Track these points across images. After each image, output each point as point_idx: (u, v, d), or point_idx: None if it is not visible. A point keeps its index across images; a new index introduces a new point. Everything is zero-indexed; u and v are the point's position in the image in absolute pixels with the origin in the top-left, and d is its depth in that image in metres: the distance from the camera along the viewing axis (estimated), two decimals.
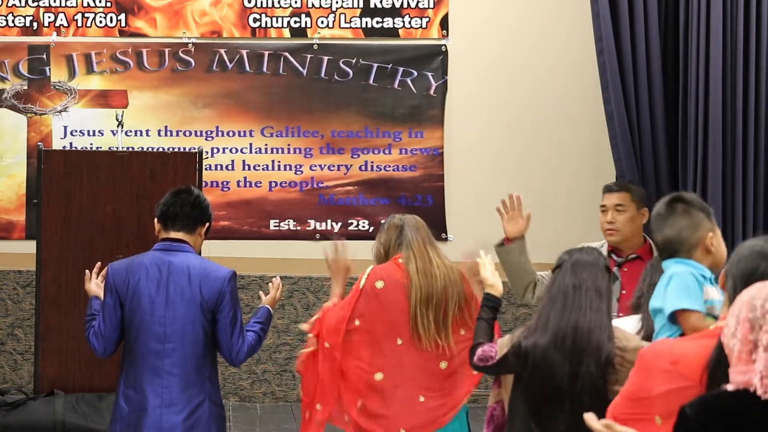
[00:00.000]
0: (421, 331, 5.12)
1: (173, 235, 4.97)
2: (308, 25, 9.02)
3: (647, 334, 4.41)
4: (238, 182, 9.01)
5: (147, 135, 8.95)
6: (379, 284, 5.19)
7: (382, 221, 5.52)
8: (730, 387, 2.89)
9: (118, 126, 7.85)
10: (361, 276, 5.26)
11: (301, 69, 9.01)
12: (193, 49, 8.99)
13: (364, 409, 5.14)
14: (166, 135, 8.97)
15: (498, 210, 5.83)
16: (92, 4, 8.96)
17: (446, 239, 8.88)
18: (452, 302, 5.16)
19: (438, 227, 8.67)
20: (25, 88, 8.95)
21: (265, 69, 9.01)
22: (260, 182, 9.02)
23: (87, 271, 5.23)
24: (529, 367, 4.28)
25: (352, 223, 8.99)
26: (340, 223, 8.99)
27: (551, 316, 4.30)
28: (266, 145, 9.02)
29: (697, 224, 4.15)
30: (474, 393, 5.27)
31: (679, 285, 4.05)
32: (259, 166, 9.02)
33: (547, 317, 4.31)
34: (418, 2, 9.04)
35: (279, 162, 9.02)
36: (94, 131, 8.95)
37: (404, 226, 5.34)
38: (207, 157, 8.67)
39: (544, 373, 4.25)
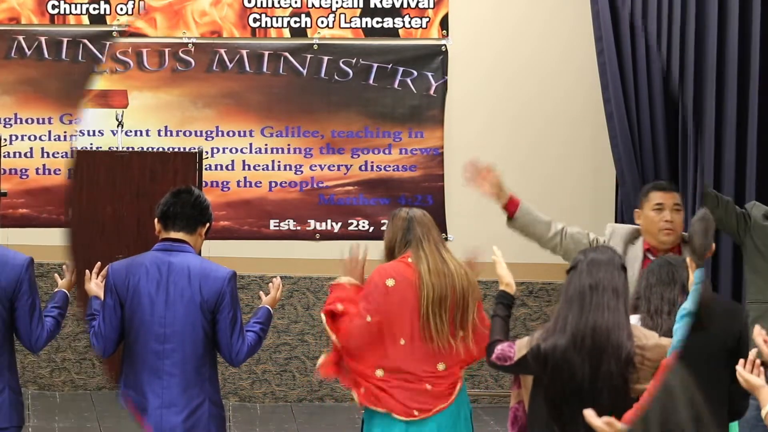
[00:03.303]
0: (433, 331, 5.03)
1: (173, 235, 4.96)
2: (308, 25, 9.02)
3: None
4: (238, 182, 9.01)
5: (147, 135, 8.95)
6: (390, 282, 5.10)
7: (383, 221, 5.43)
8: None
9: (118, 126, 7.86)
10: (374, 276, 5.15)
11: (301, 69, 9.01)
12: (193, 49, 8.99)
13: (379, 387, 5.07)
14: (166, 135, 8.97)
15: (468, 179, 5.79)
16: None
17: (446, 239, 8.87)
18: (473, 303, 5.07)
19: (438, 227, 8.64)
20: None
21: (265, 69, 9.01)
22: (260, 182, 9.01)
23: (87, 271, 5.22)
24: (548, 369, 4.25)
25: (351, 223, 8.98)
26: (340, 223, 8.99)
27: (569, 318, 4.26)
28: (266, 145, 9.01)
29: None
30: (473, 394, 5.26)
31: None
32: (259, 166, 9.01)
33: (565, 319, 4.28)
34: (418, 2, 9.04)
35: (279, 162, 9.02)
36: (94, 131, 8.95)
37: (413, 223, 5.21)
38: (207, 157, 8.67)
39: (564, 375, 4.23)
